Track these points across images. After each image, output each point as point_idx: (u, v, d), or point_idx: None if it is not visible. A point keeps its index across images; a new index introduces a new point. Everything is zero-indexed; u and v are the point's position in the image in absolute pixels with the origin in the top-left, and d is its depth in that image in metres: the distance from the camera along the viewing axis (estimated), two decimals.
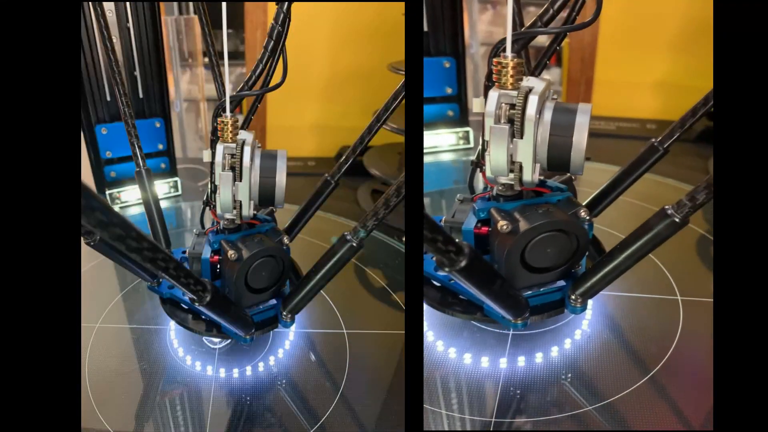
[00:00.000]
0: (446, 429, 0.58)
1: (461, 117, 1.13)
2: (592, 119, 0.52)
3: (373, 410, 0.62)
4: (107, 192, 1.07)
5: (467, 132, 1.14)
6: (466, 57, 1.10)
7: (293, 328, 0.69)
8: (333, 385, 0.64)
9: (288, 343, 0.70)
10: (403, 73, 0.97)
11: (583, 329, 0.63)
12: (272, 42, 0.59)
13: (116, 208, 1.02)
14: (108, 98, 1.03)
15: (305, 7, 1.26)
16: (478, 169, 0.58)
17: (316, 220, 0.75)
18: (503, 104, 0.49)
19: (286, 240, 0.64)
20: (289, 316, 0.63)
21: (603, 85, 1.38)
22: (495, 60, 0.49)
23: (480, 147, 0.55)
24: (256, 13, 1.43)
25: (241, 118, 0.64)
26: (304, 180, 1.21)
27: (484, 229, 0.55)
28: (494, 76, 0.49)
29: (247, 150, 0.58)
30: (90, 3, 0.89)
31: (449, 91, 1.09)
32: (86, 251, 0.56)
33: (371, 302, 0.82)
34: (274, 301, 0.66)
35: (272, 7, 0.65)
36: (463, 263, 0.42)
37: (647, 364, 0.58)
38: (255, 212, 0.64)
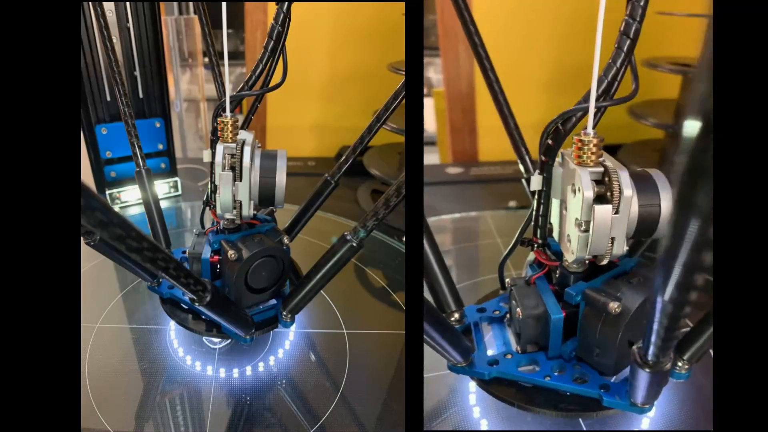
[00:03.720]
0: (447, 429, 0.58)
1: (172, 168, 1.15)
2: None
3: (373, 410, 0.61)
4: (107, 192, 1.07)
5: (176, 181, 1.16)
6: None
7: (293, 328, 0.68)
8: (333, 385, 0.64)
9: (288, 344, 0.70)
10: (403, 73, 0.97)
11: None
12: (272, 42, 0.59)
13: (116, 208, 1.01)
14: (108, 98, 1.02)
15: (305, 7, 1.26)
16: (208, 208, 0.67)
17: (315, 220, 0.75)
18: (227, 155, 0.58)
19: (286, 240, 0.64)
20: (289, 316, 0.63)
21: (487, 130, 1.41)
22: (577, 138, 0.50)
23: (209, 190, 0.65)
24: (256, 13, 1.43)
25: (241, 118, 0.63)
26: (304, 180, 1.21)
27: (215, 258, 0.64)
28: (219, 132, 0.58)
29: (247, 150, 0.58)
30: (90, 3, 0.89)
31: (160, 147, 1.12)
32: (86, 251, 0.56)
33: (371, 302, 0.82)
34: (274, 301, 0.66)
35: (272, 7, 0.65)
36: (208, 298, 0.49)
37: None
38: (255, 212, 0.64)
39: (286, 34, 0.59)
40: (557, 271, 0.56)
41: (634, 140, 1.25)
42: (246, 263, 0.59)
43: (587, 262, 0.54)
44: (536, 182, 0.55)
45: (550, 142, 0.52)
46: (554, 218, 0.56)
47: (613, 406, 0.51)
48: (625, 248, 0.50)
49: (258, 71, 0.61)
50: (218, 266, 0.64)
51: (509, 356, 0.56)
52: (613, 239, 0.49)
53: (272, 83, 0.62)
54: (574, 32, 1.25)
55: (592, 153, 0.49)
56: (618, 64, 0.49)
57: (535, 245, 0.58)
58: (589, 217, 0.48)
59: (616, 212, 0.48)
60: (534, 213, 0.57)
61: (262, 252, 0.60)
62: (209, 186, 0.64)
